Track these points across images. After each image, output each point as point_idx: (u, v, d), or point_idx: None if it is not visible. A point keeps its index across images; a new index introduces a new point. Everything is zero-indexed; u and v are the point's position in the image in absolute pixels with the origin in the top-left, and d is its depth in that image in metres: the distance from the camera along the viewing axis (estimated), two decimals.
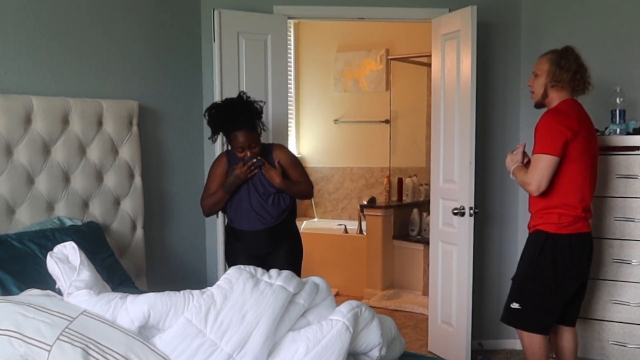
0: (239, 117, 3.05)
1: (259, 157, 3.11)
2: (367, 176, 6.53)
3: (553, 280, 2.94)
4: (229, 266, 3.22)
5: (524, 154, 3.09)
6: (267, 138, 3.85)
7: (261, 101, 3.17)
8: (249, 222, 3.19)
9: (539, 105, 3.06)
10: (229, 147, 3.24)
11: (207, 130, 3.84)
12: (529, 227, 3.09)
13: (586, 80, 2.99)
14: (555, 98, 2.97)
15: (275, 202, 3.19)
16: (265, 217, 3.18)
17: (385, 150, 6.17)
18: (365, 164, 6.52)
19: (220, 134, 3.19)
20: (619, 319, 3.40)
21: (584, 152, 2.90)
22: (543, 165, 2.84)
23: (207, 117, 3.15)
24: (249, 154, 3.09)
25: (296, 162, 3.32)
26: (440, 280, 4.04)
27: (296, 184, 3.24)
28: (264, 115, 3.21)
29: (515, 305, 3.01)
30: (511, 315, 3.05)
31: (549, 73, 2.94)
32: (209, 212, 3.32)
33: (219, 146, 3.70)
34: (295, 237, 3.35)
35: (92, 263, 2.15)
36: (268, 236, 3.21)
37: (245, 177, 3.12)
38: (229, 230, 3.35)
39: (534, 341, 3.00)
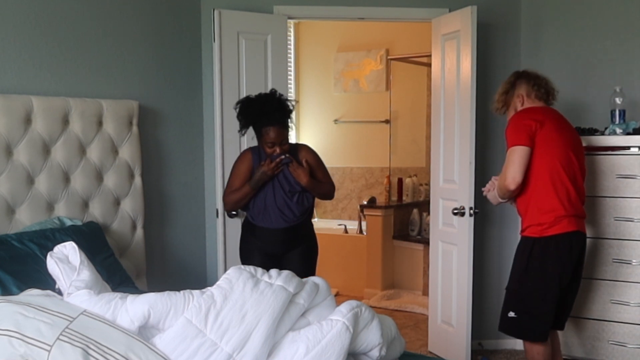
0: (275, 113, 3.08)
1: (287, 155, 3.13)
2: (367, 176, 6.53)
3: (544, 286, 2.92)
4: (242, 263, 3.24)
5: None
6: None
7: (294, 100, 3.22)
8: (271, 220, 3.19)
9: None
10: (255, 144, 3.25)
11: (207, 131, 3.88)
12: (520, 233, 3.08)
13: (549, 87, 3.13)
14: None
15: (299, 200, 3.21)
16: (289, 215, 3.19)
17: (385, 150, 6.16)
18: (365, 164, 6.52)
19: (248, 128, 3.20)
20: (618, 319, 3.40)
21: (554, 143, 2.90)
22: (514, 156, 2.86)
23: (237, 110, 3.16)
24: (278, 150, 3.11)
25: (321, 162, 3.34)
26: (440, 280, 4.04)
27: (321, 184, 3.27)
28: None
29: (511, 314, 2.98)
30: (508, 325, 3.03)
31: (501, 103, 3.21)
32: (232, 207, 3.32)
33: (218, 146, 3.70)
34: (311, 237, 3.36)
35: (92, 263, 2.15)
36: (286, 235, 3.21)
37: (272, 174, 3.12)
38: (247, 227, 3.33)
39: (535, 350, 2.97)
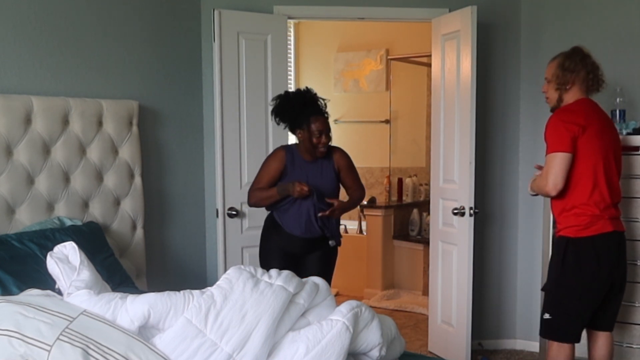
0: (318, 104, 3.19)
1: (315, 195, 3.12)
2: (367, 176, 6.53)
3: (580, 286, 2.84)
4: (262, 262, 3.24)
5: None
6: (267, 138, 3.86)
7: (327, 99, 3.27)
8: (300, 228, 3.18)
9: (555, 110, 2.98)
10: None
11: (207, 131, 3.88)
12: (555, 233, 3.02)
13: (599, 78, 2.92)
14: (569, 100, 2.90)
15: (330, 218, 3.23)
16: (315, 228, 3.19)
17: (385, 150, 6.16)
18: (365, 164, 6.50)
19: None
20: (620, 319, 3.39)
21: (596, 148, 2.82)
22: (555, 162, 2.76)
23: (277, 103, 3.20)
24: (323, 139, 3.13)
25: (352, 167, 3.35)
26: (440, 280, 4.03)
27: (351, 202, 3.32)
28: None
29: (547, 316, 2.91)
30: (544, 327, 2.95)
31: (555, 77, 2.91)
32: (256, 205, 3.29)
33: (218, 146, 3.70)
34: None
35: (92, 263, 2.15)
36: (310, 240, 3.21)
37: (296, 197, 3.11)
38: (271, 225, 3.30)
39: (562, 351, 2.89)
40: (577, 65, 2.88)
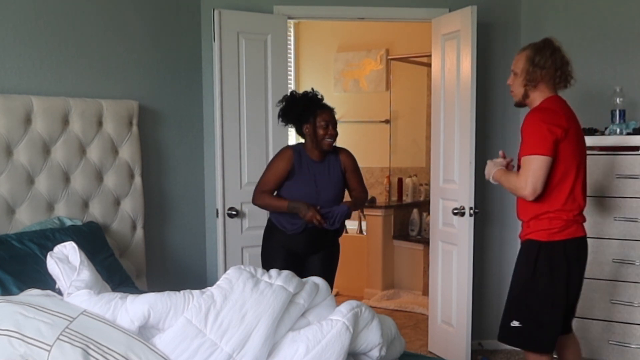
0: (322, 99, 3.25)
1: (325, 224, 3.12)
2: (367, 176, 6.49)
3: (553, 292, 2.72)
4: (264, 262, 3.24)
5: (509, 162, 2.90)
6: (267, 138, 3.86)
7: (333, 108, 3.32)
8: (298, 228, 3.17)
9: (519, 104, 2.87)
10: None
11: (207, 131, 3.88)
12: (520, 237, 2.87)
13: (567, 74, 2.76)
14: (537, 97, 2.75)
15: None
16: (321, 235, 3.20)
17: (385, 150, 6.16)
18: (365, 164, 6.44)
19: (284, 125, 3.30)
20: (621, 319, 3.40)
21: (575, 152, 2.70)
22: (536, 166, 2.60)
23: (284, 104, 3.22)
24: (330, 130, 3.16)
25: (357, 169, 3.36)
26: (440, 280, 4.04)
27: (356, 204, 3.33)
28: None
29: (515, 324, 2.75)
30: (511, 335, 2.80)
31: (524, 71, 2.73)
32: (260, 207, 3.27)
33: (218, 146, 3.70)
34: (335, 243, 3.35)
35: (92, 263, 2.15)
36: (312, 238, 3.20)
37: (305, 220, 3.10)
38: (273, 224, 3.28)
39: None
40: (547, 61, 2.70)
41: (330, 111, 3.22)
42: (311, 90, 3.26)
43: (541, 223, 2.72)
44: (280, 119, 3.26)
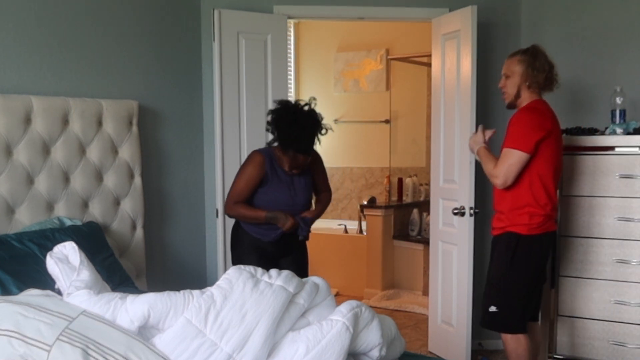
0: (309, 142, 2.95)
1: (305, 234, 3.13)
2: (367, 176, 6.53)
3: (529, 281, 3.01)
4: (237, 259, 3.19)
5: (484, 135, 3.15)
6: (267, 138, 3.85)
7: (329, 125, 3.04)
8: (269, 237, 3.14)
9: (511, 106, 3.10)
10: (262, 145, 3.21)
11: (207, 131, 3.88)
12: (494, 228, 3.09)
13: (554, 79, 3.05)
14: (526, 98, 3.02)
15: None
16: (292, 238, 3.17)
17: (385, 150, 6.16)
18: (365, 164, 6.52)
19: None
20: (619, 319, 3.40)
21: (554, 153, 2.96)
22: (514, 160, 2.88)
23: (271, 119, 2.99)
24: (295, 171, 3.03)
25: (323, 168, 3.31)
26: (440, 280, 4.03)
27: (322, 208, 3.28)
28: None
29: (493, 309, 3.03)
30: (491, 319, 3.07)
31: (524, 75, 2.99)
32: (235, 218, 3.19)
33: (218, 146, 3.70)
34: (303, 242, 3.31)
35: (92, 263, 2.15)
36: (286, 242, 3.17)
37: (284, 230, 3.07)
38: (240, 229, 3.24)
39: (520, 342, 3.01)
40: (545, 65, 2.99)
41: (305, 158, 2.99)
42: (307, 112, 2.98)
43: (522, 217, 2.96)
44: (267, 124, 3.06)
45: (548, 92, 3.07)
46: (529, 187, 2.93)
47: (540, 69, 2.98)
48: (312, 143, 2.98)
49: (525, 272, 3.00)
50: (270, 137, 3.78)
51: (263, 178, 3.06)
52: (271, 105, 3.24)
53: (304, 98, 3.17)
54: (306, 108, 2.99)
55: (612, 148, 3.38)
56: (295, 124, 2.92)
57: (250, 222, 3.12)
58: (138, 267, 3.30)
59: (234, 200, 3.10)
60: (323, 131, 3.01)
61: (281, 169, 3.09)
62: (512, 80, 3.04)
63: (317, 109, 3.02)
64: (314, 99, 3.03)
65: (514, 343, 3.02)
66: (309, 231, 3.21)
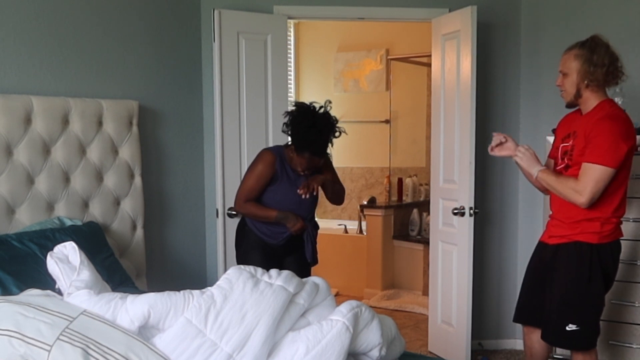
0: (324, 145, 3.02)
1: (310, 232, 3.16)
2: (367, 176, 6.53)
3: (604, 293, 2.76)
4: (239, 259, 3.21)
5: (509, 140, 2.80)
6: (267, 138, 3.86)
7: (343, 128, 3.11)
8: (275, 240, 3.17)
9: (571, 105, 2.79)
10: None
11: (207, 131, 3.88)
12: (552, 236, 2.82)
13: (619, 70, 2.70)
14: (591, 97, 2.70)
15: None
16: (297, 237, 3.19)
17: (385, 150, 6.16)
18: (365, 164, 6.52)
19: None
20: (622, 319, 3.40)
21: (631, 162, 2.72)
22: (601, 177, 2.57)
23: (289, 121, 3.03)
24: (307, 172, 3.07)
25: (333, 169, 3.34)
26: (440, 280, 4.04)
27: (337, 185, 3.30)
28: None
29: (572, 327, 2.70)
30: (568, 339, 2.76)
31: (582, 72, 2.66)
32: (245, 216, 3.22)
33: (218, 146, 3.70)
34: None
35: (92, 263, 2.15)
36: (291, 241, 3.19)
37: (292, 231, 3.10)
38: (246, 225, 3.26)
39: (592, 357, 2.79)
40: (605, 59, 2.64)
41: (318, 160, 3.05)
42: (323, 115, 3.05)
43: (592, 225, 2.69)
44: (285, 125, 3.09)
45: (613, 86, 2.77)
46: (608, 196, 2.65)
47: (599, 64, 2.62)
48: (327, 146, 3.05)
49: (603, 285, 2.73)
50: (272, 137, 3.78)
51: (272, 177, 3.10)
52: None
53: (303, 98, 3.19)
54: (322, 111, 3.05)
55: None
56: (313, 128, 2.97)
57: (260, 220, 3.15)
58: (138, 267, 3.30)
59: (245, 197, 3.14)
60: (337, 134, 3.07)
61: (290, 168, 3.12)
62: (569, 78, 2.70)
63: (332, 112, 3.09)
64: (330, 102, 3.10)
65: (589, 358, 2.79)
66: (316, 252, 3.25)
